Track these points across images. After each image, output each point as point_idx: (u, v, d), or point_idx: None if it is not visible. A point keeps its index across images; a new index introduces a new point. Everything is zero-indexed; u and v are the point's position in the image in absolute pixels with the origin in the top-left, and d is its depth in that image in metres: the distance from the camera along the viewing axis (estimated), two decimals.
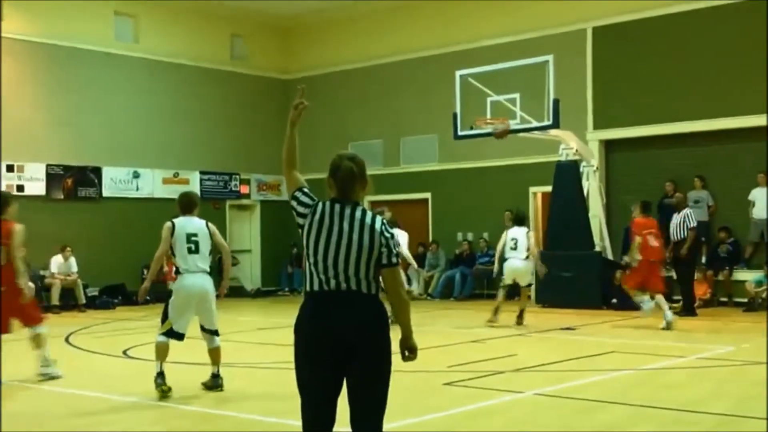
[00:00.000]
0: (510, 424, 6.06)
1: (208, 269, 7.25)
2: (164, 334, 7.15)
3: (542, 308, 14.49)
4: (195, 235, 7.18)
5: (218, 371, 7.31)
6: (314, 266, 3.70)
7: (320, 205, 3.77)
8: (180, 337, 7.18)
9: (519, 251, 11.99)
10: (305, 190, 3.85)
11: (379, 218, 3.76)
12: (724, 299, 14.59)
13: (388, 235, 3.73)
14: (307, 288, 3.75)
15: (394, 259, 3.74)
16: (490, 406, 6.66)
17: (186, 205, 7.34)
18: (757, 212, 14.43)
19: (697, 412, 6.26)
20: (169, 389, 7.01)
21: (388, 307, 3.79)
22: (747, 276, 14.25)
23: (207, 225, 7.32)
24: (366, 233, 3.69)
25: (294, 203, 3.83)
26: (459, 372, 8.10)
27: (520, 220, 12.38)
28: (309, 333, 3.67)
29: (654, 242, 11.79)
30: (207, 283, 7.21)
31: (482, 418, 6.30)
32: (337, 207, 3.74)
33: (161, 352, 7.13)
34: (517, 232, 12.10)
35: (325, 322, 3.63)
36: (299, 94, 3.97)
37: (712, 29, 14.91)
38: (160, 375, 7.05)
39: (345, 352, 3.60)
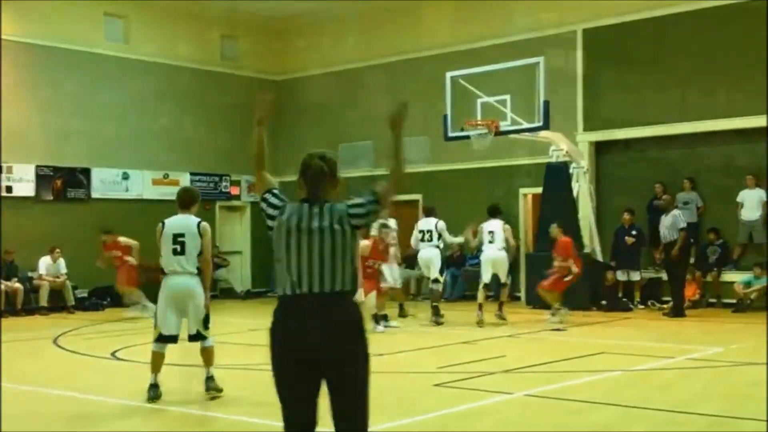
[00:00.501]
0: (500, 425, 6.06)
1: (195, 270, 6.96)
2: (156, 341, 6.98)
3: (532, 309, 14.51)
4: (182, 235, 6.91)
5: (210, 373, 7.07)
6: (285, 269, 3.64)
7: (289, 205, 3.72)
8: (170, 339, 6.99)
9: (496, 243, 12.29)
10: (275, 191, 3.81)
11: (344, 201, 3.71)
12: (713, 300, 14.65)
13: (351, 202, 3.67)
14: (279, 291, 3.68)
15: (374, 206, 3.69)
16: (480, 407, 6.66)
17: (182, 201, 7.11)
18: (746, 213, 14.50)
19: (688, 413, 6.28)
20: (160, 397, 6.91)
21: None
22: (736, 277, 14.31)
23: (198, 225, 6.99)
24: (336, 223, 3.63)
25: (263, 205, 3.78)
26: (449, 373, 8.09)
27: (495, 211, 12.71)
28: (283, 338, 3.62)
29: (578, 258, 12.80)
30: (191, 282, 6.92)
31: (473, 419, 6.30)
32: (306, 207, 3.68)
33: (154, 363, 6.94)
34: (492, 225, 12.40)
35: (299, 327, 3.58)
36: (264, 97, 3.99)
37: (702, 32, 14.97)
38: (153, 387, 6.89)
39: (321, 356, 3.56)
